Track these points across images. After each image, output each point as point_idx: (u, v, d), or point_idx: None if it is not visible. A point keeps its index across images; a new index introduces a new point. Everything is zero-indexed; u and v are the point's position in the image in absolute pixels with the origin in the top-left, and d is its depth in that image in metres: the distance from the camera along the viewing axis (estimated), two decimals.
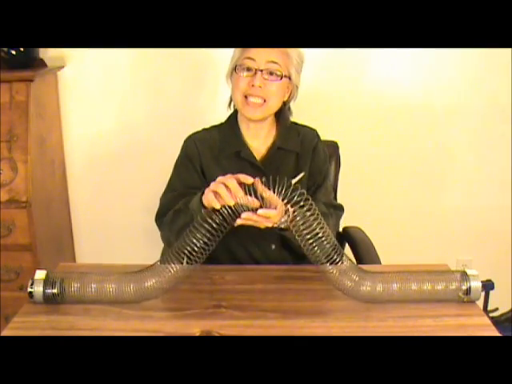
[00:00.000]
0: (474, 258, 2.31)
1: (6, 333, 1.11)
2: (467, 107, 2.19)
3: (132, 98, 2.18)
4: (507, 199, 2.25)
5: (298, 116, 1.58)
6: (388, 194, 2.29)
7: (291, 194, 1.14)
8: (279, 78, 1.40)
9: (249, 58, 1.38)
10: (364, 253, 1.61)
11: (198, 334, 1.11)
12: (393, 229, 2.29)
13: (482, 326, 1.15)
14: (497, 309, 2.01)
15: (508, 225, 2.28)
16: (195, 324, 1.15)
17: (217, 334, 1.11)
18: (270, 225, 1.23)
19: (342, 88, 2.16)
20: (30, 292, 1.19)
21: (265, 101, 1.40)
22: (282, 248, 1.49)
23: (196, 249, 1.14)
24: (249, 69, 1.39)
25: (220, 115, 1.56)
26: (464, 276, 1.21)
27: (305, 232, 1.15)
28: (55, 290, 1.18)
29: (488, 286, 1.28)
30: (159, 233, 1.47)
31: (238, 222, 1.18)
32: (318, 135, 1.55)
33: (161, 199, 1.50)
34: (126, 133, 2.20)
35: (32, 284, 1.19)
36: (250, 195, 1.15)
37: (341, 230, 1.74)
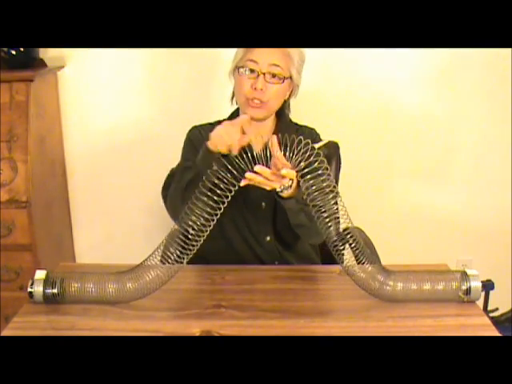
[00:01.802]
0: (473, 258, 2.31)
1: (5, 333, 1.11)
2: (467, 107, 2.18)
3: (132, 98, 2.17)
4: (507, 199, 2.25)
5: (298, 116, 1.58)
6: (388, 194, 2.28)
7: (314, 157, 1.10)
8: (281, 81, 1.41)
9: (251, 60, 1.39)
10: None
11: (198, 334, 1.11)
12: (393, 229, 2.29)
13: (482, 326, 1.15)
14: (497, 309, 2.01)
15: (508, 225, 2.27)
16: (195, 324, 1.15)
17: (217, 334, 1.11)
18: (277, 186, 1.21)
19: (342, 88, 2.16)
20: (30, 292, 1.19)
21: (266, 102, 1.41)
22: (276, 241, 1.51)
23: (202, 218, 1.13)
24: (251, 71, 1.40)
25: (224, 113, 1.57)
26: (464, 276, 1.21)
27: (317, 200, 1.12)
28: (55, 290, 1.18)
29: (488, 286, 1.28)
30: (164, 205, 1.48)
31: (247, 175, 1.16)
32: (316, 133, 1.56)
33: (167, 176, 1.53)
34: (126, 132, 2.20)
35: (32, 284, 1.19)
36: (264, 152, 1.13)
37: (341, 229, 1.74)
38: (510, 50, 2.08)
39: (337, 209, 1.13)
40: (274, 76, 1.40)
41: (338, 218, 1.14)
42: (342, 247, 1.15)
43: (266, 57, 1.39)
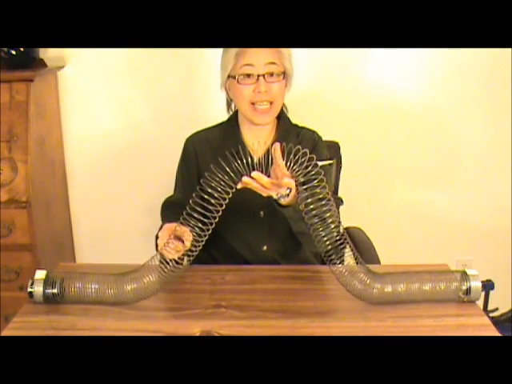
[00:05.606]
0: (473, 258, 2.31)
1: (5, 333, 1.12)
2: (467, 107, 2.19)
3: (132, 98, 2.17)
4: (507, 199, 2.25)
5: (298, 116, 1.57)
6: (388, 194, 2.28)
7: (312, 167, 1.10)
8: (281, 78, 1.39)
9: (247, 64, 1.37)
10: (364, 253, 1.61)
11: (198, 334, 1.11)
12: (393, 229, 2.29)
13: (482, 326, 1.15)
14: (497, 309, 2.01)
15: (508, 225, 2.27)
16: (195, 324, 1.15)
17: (217, 334, 1.11)
18: (274, 193, 1.20)
19: (343, 88, 2.16)
20: (30, 292, 1.19)
21: (272, 103, 1.39)
22: (272, 250, 1.49)
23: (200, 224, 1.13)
24: (249, 75, 1.37)
25: (222, 115, 1.56)
26: (464, 276, 1.21)
27: (313, 212, 1.12)
28: (55, 290, 1.18)
29: (488, 286, 1.28)
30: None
31: (244, 179, 1.14)
32: (318, 135, 1.54)
33: (162, 205, 1.54)
34: (126, 133, 2.20)
35: (32, 284, 1.19)
36: (264, 158, 1.13)
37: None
38: (510, 50, 2.08)
39: (330, 218, 1.13)
40: (272, 75, 1.38)
41: (334, 232, 1.14)
42: (337, 261, 1.16)
43: (260, 57, 1.36)
